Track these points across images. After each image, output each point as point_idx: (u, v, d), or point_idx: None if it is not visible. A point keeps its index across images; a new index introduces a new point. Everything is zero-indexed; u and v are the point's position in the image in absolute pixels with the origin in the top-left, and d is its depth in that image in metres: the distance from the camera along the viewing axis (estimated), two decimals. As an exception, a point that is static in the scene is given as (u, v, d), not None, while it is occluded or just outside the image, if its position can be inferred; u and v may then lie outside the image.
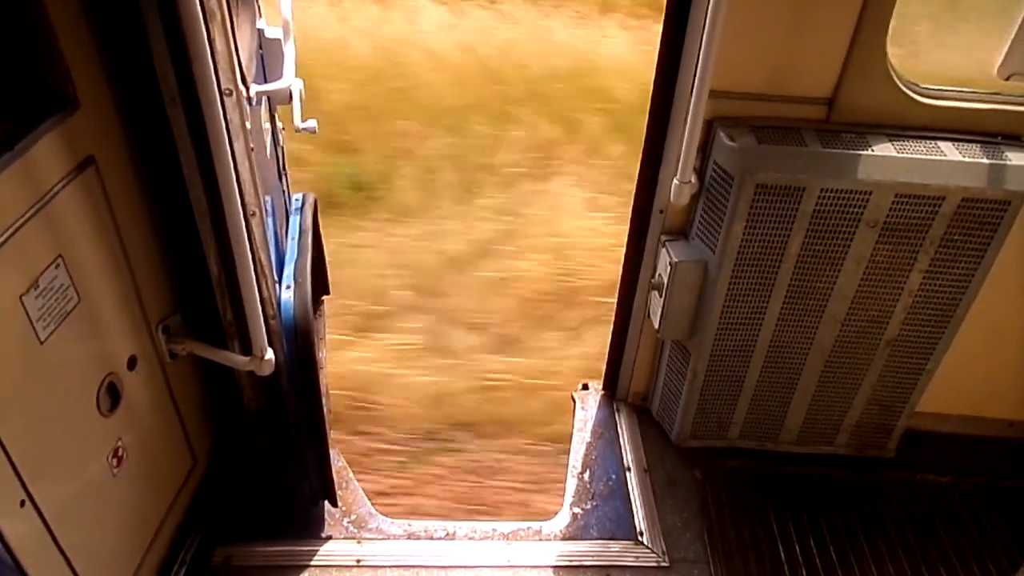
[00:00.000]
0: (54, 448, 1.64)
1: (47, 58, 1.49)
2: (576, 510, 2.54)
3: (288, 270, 2.26)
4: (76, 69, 1.54)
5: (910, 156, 2.08)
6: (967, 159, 2.08)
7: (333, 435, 2.62)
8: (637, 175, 2.38)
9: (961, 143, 2.13)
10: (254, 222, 1.89)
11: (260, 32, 2.26)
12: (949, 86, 2.17)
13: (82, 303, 1.66)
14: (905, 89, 2.11)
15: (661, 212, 2.38)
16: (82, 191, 1.62)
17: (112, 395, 1.82)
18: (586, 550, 2.42)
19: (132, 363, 1.89)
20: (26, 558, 1.54)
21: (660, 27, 2.12)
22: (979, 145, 2.12)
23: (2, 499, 1.48)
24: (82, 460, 1.76)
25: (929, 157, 2.08)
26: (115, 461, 1.86)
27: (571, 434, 2.83)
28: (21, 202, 1.46)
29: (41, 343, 1.55)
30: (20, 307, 1.49)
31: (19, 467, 1.50)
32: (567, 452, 2.77)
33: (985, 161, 2.08)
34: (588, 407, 2.93)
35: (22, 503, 1.53)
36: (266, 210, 2.05)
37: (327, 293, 3.11)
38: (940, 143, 2.12)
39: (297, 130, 2.33)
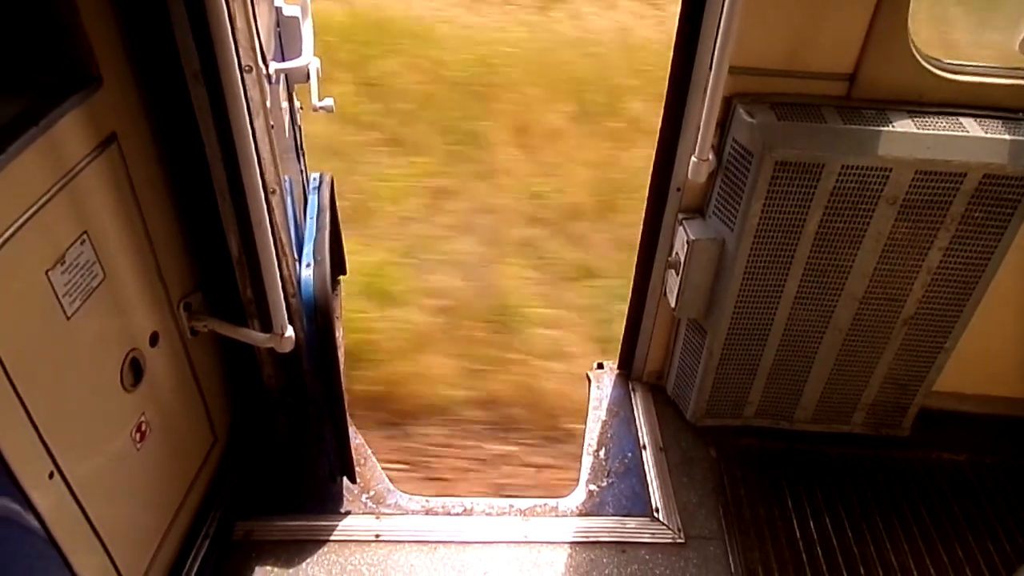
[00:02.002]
0: (80, 422, 1.67)
1: (71, 35, 1.50)
2: (592, 487, 2.56)
3: (307, 248, 2.28)
4: (99, 46, 1.55)
5: (931, 132, 2.06)
6: (989, 135, 2.06)
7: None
8: (655, 153, 2.37)
9: (983, 119, 2.10)
10: (274, 200, 1.91)
11: (278, 10, 2.26)
12: (971, 61, 2.14)
13: (107, 279, 1.68)
14: (926, 64, 2.09)
15: (678, 190, 2.37)
16: (105, 168, 1.64)
17: (135, 371, 1.84)
18: (602, 526, 2.44)
19: (154, 339, 1.91)
20: (56, 528, 1.57)
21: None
22: (1001, 121, 2.10)
23: (32, 470, 1.51)
24: (107, 434, 1.79)
25: (950, 133, 2.06)
26: (138, 436, 1.89)
27: (586, 412, 2.84)
28: (47, 178, 1.48)
29: (68, 318, 1.57)
30: (47, 282, 1.51)
31: (47, 439, 1.53)
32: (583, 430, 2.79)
33: (1007, 137, 2.06)
34: (603, 386, 2.94)
35: (51, 475, 1.56)
36: (285, 189, 2.07)
37: (344, 273, 3.14)
38: (962, 119, 2.10)
39: (314, 109, 2.34)
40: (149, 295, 1.88)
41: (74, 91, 1.52)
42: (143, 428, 1.91)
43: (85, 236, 1.59)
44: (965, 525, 2.51)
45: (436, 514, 2.45)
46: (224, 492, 2.38)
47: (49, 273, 1.51)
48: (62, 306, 1.55)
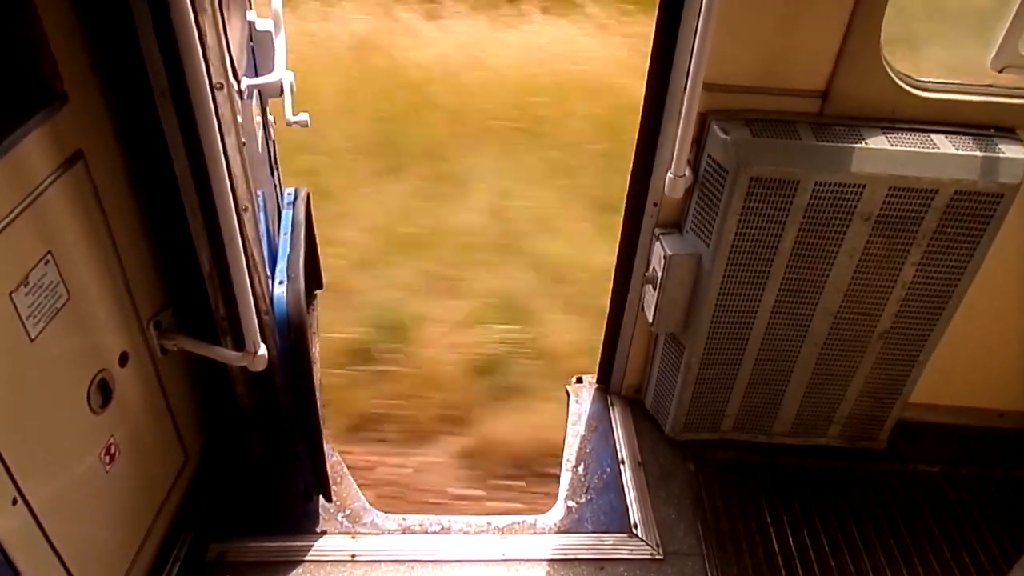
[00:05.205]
0: (46, 446, 1.63)
1: (35, 52, 1.47)
2: (571, 503, 2.55)
3: (281, 265, 2.25)
4: (64, 63, 1.52)
5: (904, 149, 2.08)
6: (960, 151, 2.09)
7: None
8: (631, 168, 2.37)
9: (954, 136, 2.13)
10: (246, 217, 1.88)
11: (251, 24, 2.23)
12: (943, 78, 2.17)
13: (72, 299, 1.64)
14: (899, 81, 2.11)
15: (655, 205, 2.37)
16: (71, 186, 1.60)
17: (104, 392, 1.81)
18: (581, 543, 2.42)
19: (124, 359, 1.87)
20: (18, 556, 1.53)
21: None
22: (972, 138, 2.12)
23: None
24: (74, 457, 1.75)
25: (922, 150, 2.08)
26: (107, 458, 1.85)
27: (565, 427, 2.83)
28: (9, 198, 1.45)
29: (32, 340, 1.53)
30: (10, 304, 1.47)
31: (10, 465, 1.49)
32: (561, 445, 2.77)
33: (978, 154, 2.08)
34: (582, 400, 2.93)
35: (14, 501, 1.52)
36: (258, 205, 2.04)
37: (320, 287, 3.11)
38: (933, 136, 2.12)
39: (289, 123, 2.31)
40: (118, 314, 1.84)
41: (38, 109, 1.49)
42: (112, 450, 1.87)
43: (50, 256, 1.56)
44: (940, 537, 2.53)
45: (413, 533, 2.42)
46: (196, 513, 2.34)
47: (12, 295, 1.47)
48: (26, 328, 1.52)
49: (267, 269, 2.11)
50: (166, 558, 2.20)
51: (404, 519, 2.45)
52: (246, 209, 1.88)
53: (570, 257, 3.98)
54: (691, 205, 2.29)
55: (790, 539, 2.47)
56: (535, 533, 2.45)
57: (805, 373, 2.51)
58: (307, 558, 2.31)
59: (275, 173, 2.68)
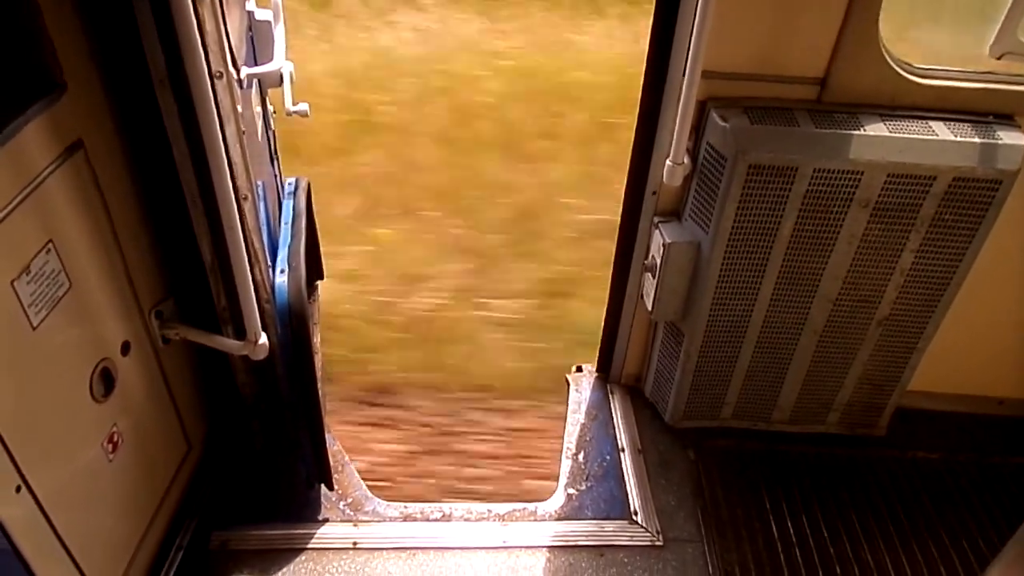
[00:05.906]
0: (49, 434, 1.64)
1: (33, 41, 1.48)
2: (571, 491, 2.56)
3: (282, 254, 2.25)
4: (63, 52, 1.52)
5: (902, 136, 2.08)
6: (959, 138, 2.09)
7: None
8: (630, 156, 2.37)
9: (953, 122, 2.13)
10: (246, 206, 1.89)
11: (250, 14, 2.24)
12: (942, 65, 2.17)
13: (73, 288, 1.65)
14: (897, 68, 2.11)
15: (654, 193, 2.37)
16: (71, 175, 1.61)
17: (106, 381, 1.82)
18: (581, 530, 2.43)
19: (126, 348, 1.89)
20: (23, 543, 1.55)
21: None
22: (971, 124, 2.12)
23: None
24: (77, 446, 1.76)
25: (921, 136, 2.08)
26: (111, 447, 1.87)
27: (565, 415, 2.84)
28: (10, 187, 1.45)
29: (34, 329, 1.54)
30: (12, 293, 1.48)
31: (14, 453, 1.50)
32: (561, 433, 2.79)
33: (976, 140, 2.08)
34: (582, 389, 2.94)
35: (18, 489, 1.53)
36: (258, 194, 2.05)
37: (321, 277, 3.12)
38: (932, 123, 2.12)
39: (288, 113, 2.32)
40: (119, 303, 1.85)
41: (37, 98, 1.50)
42: (115, 439, 1.88)
43: (51, 245, 1.57)
44: (939, 523, 2.54)
45: (414, 520, 2.44)
46: (199, 501, 2.36)
47: (14, 283, 1.48)
48: (28, 316, 1.53)
49: (268, 258, 2.12)
50: (169, 546, 2.22)
51: (405, 507, 2.47)
52: (246, 198, 1.89)
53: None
54: (690, 193, 2.29)
55: (790, 526, 2.49)
56: (536, 520, 2.46)
57: (804, 360, 2.52)
58: (309, 546, 2.33)
59: (275, 163, 2.69)
